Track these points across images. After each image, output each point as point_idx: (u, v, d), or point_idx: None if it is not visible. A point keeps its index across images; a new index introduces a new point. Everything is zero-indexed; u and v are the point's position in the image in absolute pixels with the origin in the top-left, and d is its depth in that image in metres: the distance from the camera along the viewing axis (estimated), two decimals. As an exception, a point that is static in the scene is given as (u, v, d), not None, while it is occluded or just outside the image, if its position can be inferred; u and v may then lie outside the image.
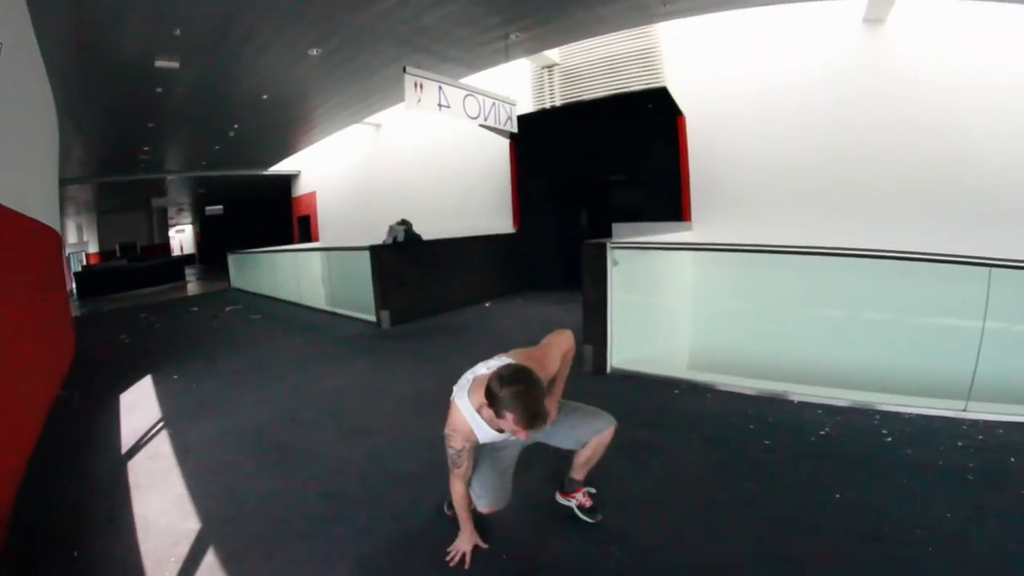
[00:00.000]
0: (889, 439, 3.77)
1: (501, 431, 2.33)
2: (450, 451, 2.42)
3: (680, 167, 9.84)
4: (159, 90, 10.17)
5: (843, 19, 8.24)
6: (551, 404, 2.53)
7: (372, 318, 8.58)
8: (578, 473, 2.81)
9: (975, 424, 3.95)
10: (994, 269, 4.11)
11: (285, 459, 3.90)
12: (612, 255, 5.47)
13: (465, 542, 2.57)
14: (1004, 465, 3.32)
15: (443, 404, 2.57)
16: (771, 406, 4.47)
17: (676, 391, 4.93)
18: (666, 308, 6.25)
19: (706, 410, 4.49)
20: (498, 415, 2.16)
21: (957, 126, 7.44)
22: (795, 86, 8.74)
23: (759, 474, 3.33)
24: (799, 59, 8.72)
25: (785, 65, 8.86)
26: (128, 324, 11.26)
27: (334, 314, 10.05)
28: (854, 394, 4.47)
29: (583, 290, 5.64)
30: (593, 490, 2.90)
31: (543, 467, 3.30)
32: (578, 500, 2.86)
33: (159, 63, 8.54)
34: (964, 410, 4.13)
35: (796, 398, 4.57)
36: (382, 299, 8.44)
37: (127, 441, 4.53)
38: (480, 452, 2.58)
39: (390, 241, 8.95)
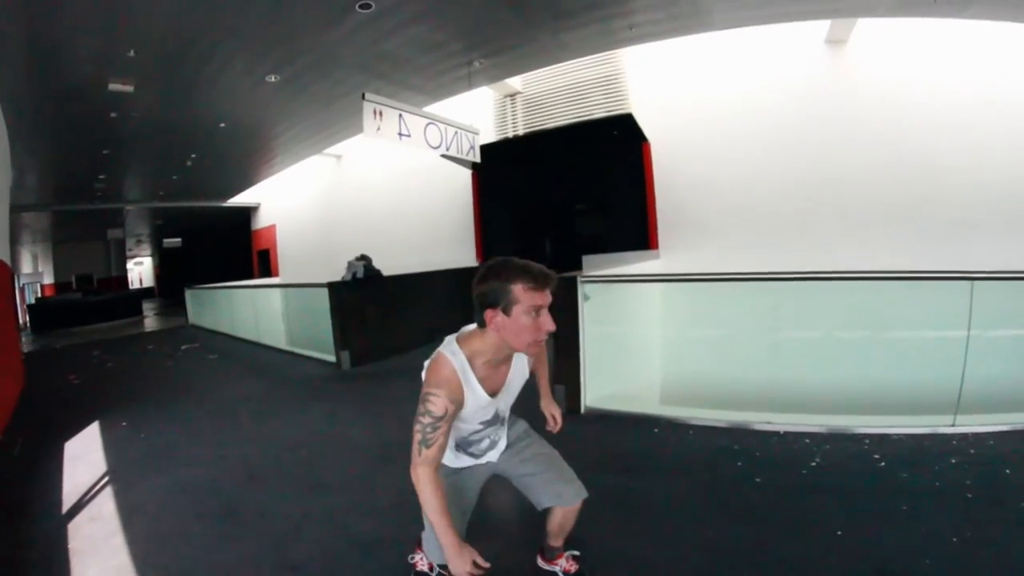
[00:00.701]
0: (882, 464, 3.68)
1: (488, 385, 2.05)
2: (424, 421, 1.88)
3: (646, 194, 9.79)
4: (113, 115, 9.77)
5: (806, 41, 8.36)
6: (546, 406, 2.58)
7: (332, 359, 8.21)
8: (555, 540, 2.52)
9: (965, 438, 3.96)
10: (976, 282, 4.18)
11: (239, 521, 3.57)
12: (583, 289, 5.27)
13: (460, 562, 1.78)
14: (1000, 478, 3.31)
15: (407, 453, 2.02)
16: (756, 439, 4.30)
17: (655, 429, 4.71)
18: (639, 340, 6.05)
19: (689, 449, 4.28)
20: (505, 302, 1.85)
21: (921, 142, 7.59)
22: (760, 109, 8.80)
23: (755, 515, 3.14)
24: (763, 82, 8.81)
25: (749, 89, 8.93)
26: (79, 362, 10.83)
27: (293, 354, 9.67)
28: (840, 419, 4.37)
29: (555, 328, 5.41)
30: (577, 552, 2.61)
31: (513, 530, 3.11)
32: (562, 566, 2.58)
33: (113, 86, 8.19)
34: (953, 424, 4.14)
35: (781, 428, 4.42)
36: (342, 339, 8.08)
37: (69, 498, 4.16)
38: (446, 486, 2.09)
39: (349, 277, 8.66)
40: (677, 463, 4.03)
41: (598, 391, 5.35)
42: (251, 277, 20.94)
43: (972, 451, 3.73)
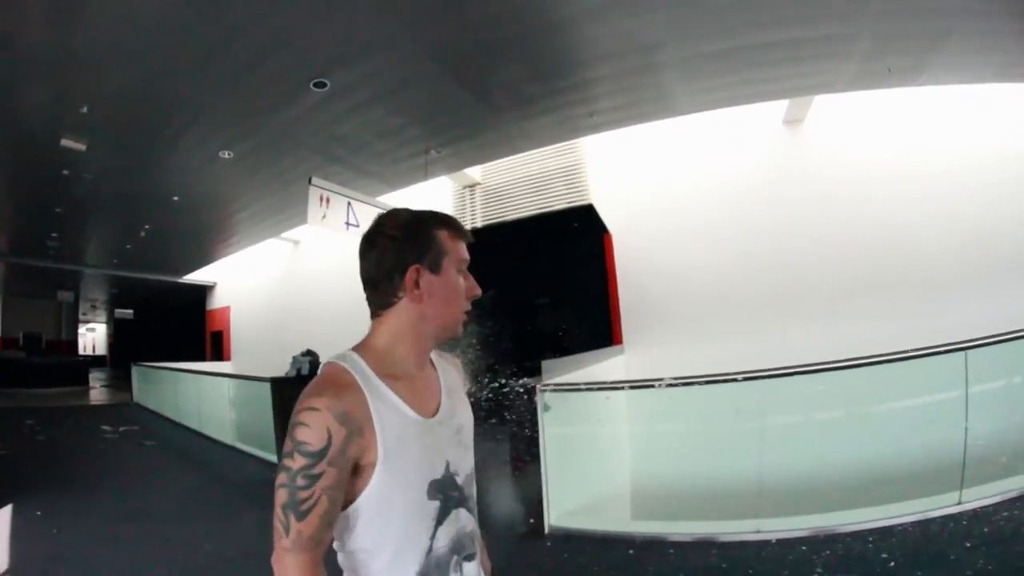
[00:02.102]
0: (892, 563, 3.34)
1: (413, 400, 1.24)
2: (291, 467, 1.08)
3: (608, 286, 9.62)
4: (65, 172, 9.42)
5: (764, 123, 8.46)
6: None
7: (274, 459, 7.56)
8: None
9: (975, 515, 3.78)
10: (969, 351, 4.14)
11: None
12: (543, 399, 4.87)
13: None
14: (1021, 551, 3.11)
15: None
16: (747, 552, 3.85)
17: (630, 551, 4.18)
18: (605, 448, 5.53)
19: (671, 571, 3.79)
20: (434, 254, 1.30)
21: (883, 211, 7.62)
22: (721, 195, 8.80)
23: None
24: (723, 167, 8.84)
25: (710, 174, 8.94)
26: (9, 431, 10.37)
27: (234, 449, 9.05)
28: (835, 516, 4.01)
29: (511, 441, 5.00)
30: None
31: None
32: None
33: (65, 142, 7.89)
34: (959, 503, 3.96)
35: (772, 536, 3.98)
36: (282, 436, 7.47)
37: None
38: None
39: (293, 374, 8.23)
40: None
41: (563, 506, 4.83)
42: (203, 359, 20.24)
43: (985, 529, 3.53)
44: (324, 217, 6.79)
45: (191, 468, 8.13)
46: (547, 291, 10.76)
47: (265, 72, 6.07)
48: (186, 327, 25.50)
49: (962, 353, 4.11)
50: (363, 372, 1.18)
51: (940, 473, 4.03)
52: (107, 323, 38.62)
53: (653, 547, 4.19)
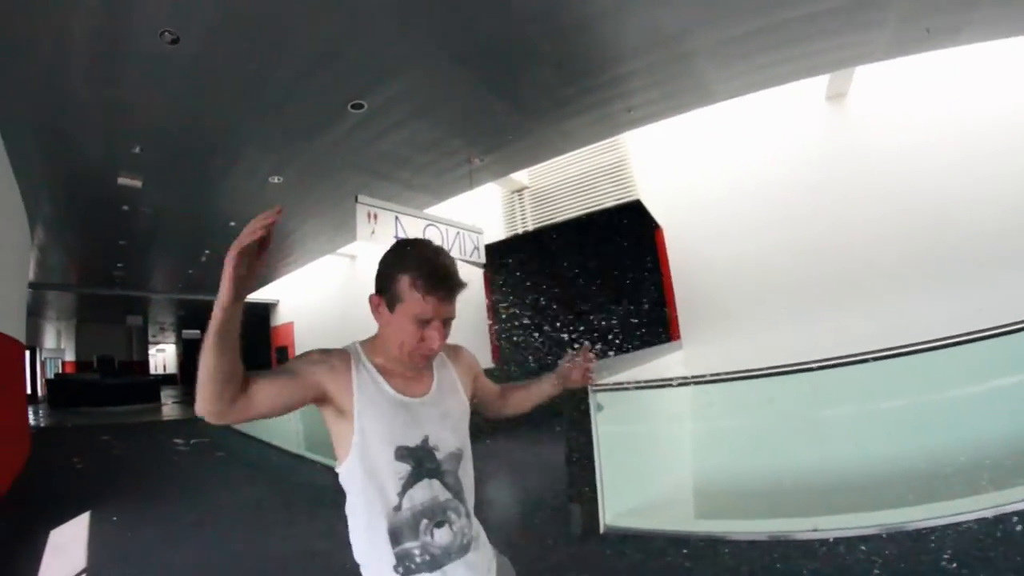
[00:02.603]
0: (954, 564, 3.07)
1: (393, 380, 1.52)
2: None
3: (663, 281, 9.51)
4: (125, 208, 9.93)
5: (807, 102, 8.23)
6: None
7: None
8: None
9: None
10: None
11: None
12: (595, 399, 4.84)
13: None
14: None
15: None
16: (802, 551, 3.70)
17: (684, 550, 4.09)
18: (665, 446, 5.55)
19: (725, 571, 3.70)
20: (390, 294, 1.46)
21: (936, 182, 7.25)
22: (769, 180, 8.58)
23: None
24: (769, 150, 8.64)
25: (756, 159, 8.76)
26: (87, 445, 11.01)
27: (302, 458, 9.24)
28: (896, 514, 3.75)
29: (566, 442, 4.97)
30: None
31: None
32: None
33: (122, 180, 8.31)
34: None
35: (829, 535, 3.79)
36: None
37: None
38: None
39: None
40: None
41: (619, 507, 4.78)
42: (269, 374, 20.82)
43: None
44: (373, 233, 6.92)
45: (261, 476, 8.40)
46: (602, 290, 10.69)
47: (302, 99, 6.25)
48: (252, 344, 26.32)
49: None
50: (356, 351, 1.53)
51: (1009, 460, 3.72)
52: (176, 344, 40.24)
53: (709, 546, 4.10)
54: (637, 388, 5.27)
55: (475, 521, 1.58)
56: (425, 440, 1.48)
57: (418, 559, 1.42)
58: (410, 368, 1.53)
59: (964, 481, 3.73)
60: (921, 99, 7.40)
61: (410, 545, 1.42)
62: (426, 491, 1.46)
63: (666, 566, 3.93)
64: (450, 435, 1.55)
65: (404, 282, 1.42)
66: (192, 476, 8.36)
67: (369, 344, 1.56)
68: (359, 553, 1.48)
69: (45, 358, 25.13)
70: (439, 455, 1.50)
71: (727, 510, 4.56)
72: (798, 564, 3.51)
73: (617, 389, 4.99)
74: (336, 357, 1.49)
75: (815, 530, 3.87)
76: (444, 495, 1.49)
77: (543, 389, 1.96)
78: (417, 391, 1.54)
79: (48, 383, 20.39)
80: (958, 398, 4.27)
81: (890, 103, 7.63)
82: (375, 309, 1.50)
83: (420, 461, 1.47)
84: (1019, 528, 3.20)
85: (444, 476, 1.49)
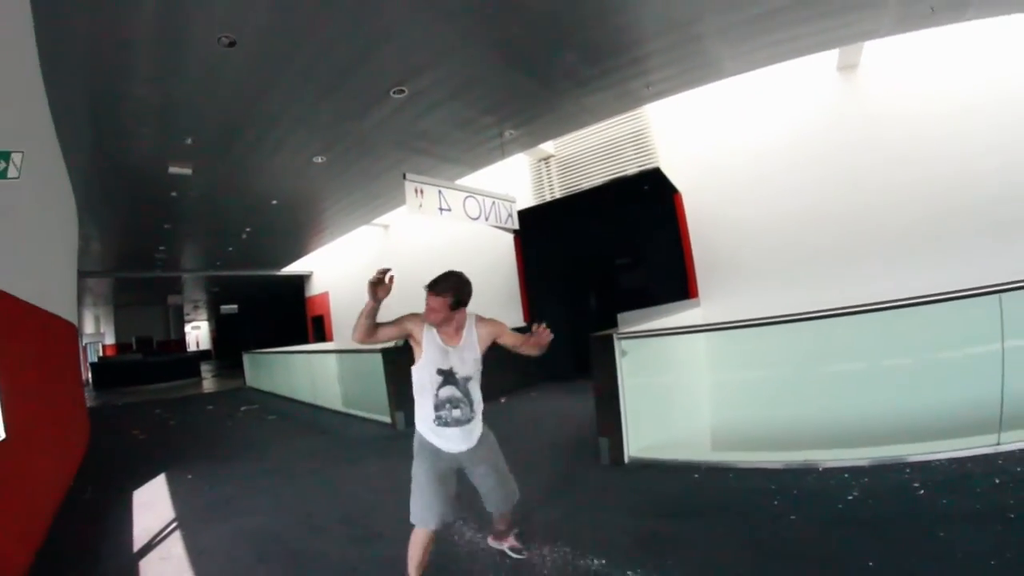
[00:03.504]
0: (921, 491, 3.69)
1: (443, 335, 3.07)
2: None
3: (682, 243, 9.88)
4: (173, 194, 10.47)
5: (819, 72, 8.36)
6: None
7: (387, 419, 8.48)
8: (499, 526, 3.64)
9: (1011, 456, 3.90)
10: (1004, 294, 4.13)
11: (300, 564, 3.88)
12: (620, 346, 5.45)
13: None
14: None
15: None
16: (796, 478, 4.37)
17: (696, 475, 4.81)
18: (682, 389, 6.15)
19: (729, 492, 4.37)
20: (432, 294, 2.99)
21: (947, 152, 7.38)
22: (783, 147, 8.81)
23: (788, 552, 3.24)
24: (784, 120, 8.83)
25: (771, 128, 8.97)
26: (142, 419, 11.52)
27: (349, 415, 9.97)
28: (880, 450, 4.38)
29: (594, 383, 5.60)
30: (518, 531, 3.81)
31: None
32: (509, 543, 3.71)
33: (172, 169, 8.83)
34: (997, 444, 4.07)
35: (822, 465, 4.47)
36: (396, 400, 8.31)
37: (139, 539, 4.56)
38: (426, 468, 3.08)
39: (402, 343, 8.97)
40: (714, 506, 4.14)
41: (642, 442, 5.46)
42: (305, 342, 21.53)
43: (1018, 469, 3.69)
44: (420, 206, 7.46)
45: (313, 432, 8.99)
46: (624, 252, 11.10)
47: (349, 88, 6.73)
48: (287, 315, 26.99)
49: (996, 296, 4.15)
50: (424, 319, 3.02)
51: (980, 414, 4.19)
52: (209, 320, 41.24)
53: (717, 473, 4.79)
54: (657, 335, 5.95)
55: (477, 411, 3.14)
56: (451, 368, 3.04)
57: (443, 420, 3.04)
58: (442, 328, 3.07)
59: (939, 430, 4.31)
60: (931, 69, 7.55)
61: (440, 413, 3.04)
62: (448, 391, 3.04)
63: (680, 486, 4.66)
64: (464, 368, 3.07)
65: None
66: (251, 437, 8.98)
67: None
68: (417, 418, 3.13)
69: (86, 343, 25.93)
70: (457, 376, 3.05)
71: (737, 445, 5.24)
72: (788, 486, 4.20)
73: (638, 337, 5.63)
74: (417, 319, 3.05)
75: (805, 461, 4.57)
76: (457, 394, 3.05)
77: (528, 346, 3.20)
78: (452, 343, 3.07)
79: (92, 366, 20.99)
80: (952, 361, 4.74)
81: (901, 73, 7.73)
82: (430, 296, 2.97)
83: (447, 376, 3.04)
84: (976, 470, 3.81)
85: (458, 385, 3.06)
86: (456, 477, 3.19)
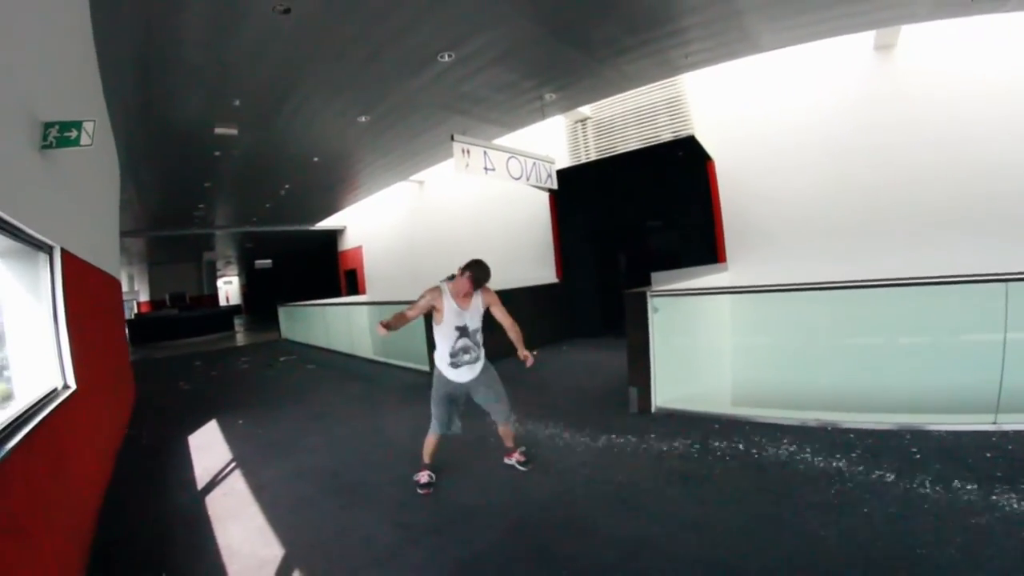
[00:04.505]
0: (918, 456, 3.96)
1: (458, 302, 4.02)
2: (415, 301, 4.07)
3: (713, 210, 10.05)
4: (217, 154, 10.87)
5: (856, 50, 8.38)
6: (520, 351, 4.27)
7: (425, 368, 8.79)
8: (507, 443, 4.59)
9: (1005, 435, 4.13)
10: (1010, 284, 4.31)
11: (356, 495, 4.25)
12: (652, 303, 5.78)
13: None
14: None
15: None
16: (806, 434, 4.68)
17: (716, 426, 5.15)
18: (708, 347, 6.42)
19: (744, 443, 4.67)
20: (461, 274, 3.93)
21: (978, 137, 7.48)
22: (817, 121, 8.88)
23: (791, 497, 3.56)
24: (818, 94, 8.88)
25: (805, 102, 9.04)
26: (184, 371, 11.89)
27: (386, 364, 10.34)
28: (886, 417, 4.67)
29: (627, 336, 5.93)
30: (524, 448, 4.71)
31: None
32: (516, 459, 4.56)
33: (219, 130, 9.19)
34: (994, 423, 4.30)
35: (830, 426, 4.77)
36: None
37: (202, 478, 4.89)
38: (441, 393, 4.22)
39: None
40: (729, 451, 4.51)
41: (669, 394, 5.84)
42: (338, 295, 21.88)
43: (1010, 447, 3.92)
44: (467, 166, 7.72)
45: (353, 379, 9.36)
46: (656, 216, 11.22)
47: (398, 52, 6.97)
48: (320, 269, 27.32)
49: (1003, 284, 4.31)
50: (444, 288, 4.08)
51: (980, 395, 4.41)
52: (240, 275, 41.82)
53: (735, 425, 5.14)
54: (688, 295, 6.27)
55: (482, 352, 4.21)
56: (465, 324, 4.08)
57: (457, 361, 4.11)
58: (457, 295, 4.02)
59: (942, 405, 4.59)
60: (968, 53, 7.52)
61: (454, 359, 4.10)
62: (463, 341, 4.09)
63: (701, 433, 5.01)
64: (474, 323, 4.12)
65: (466, 274, 3.96)
66: (294, 385, 9.34)
67: (449, 283, 4.04)
68: (437, 358, 4.21)
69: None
70: (469, 329, 4.10)
71: (755, 403, 5.54)
72: (801, 442, 4.53)
73: (669, 295, 5.95)
74: (437, 292, 4.02)
75: (817, 419, 4.91)
76: (469, 343, 4.11)
77: (513, 336, 4.32)
78: (465, 306, 4.07)
79: (128, 323, 21.56)
80: (960, 344, 4.89)
81: (938, 55, 7.71)
82: (460, 275, 3.96)
83: (461, 331, 4.08)
84: (971, 443, 4.08)
85: (470, 337, 4.11)
86: (464, 399, 4.36)
